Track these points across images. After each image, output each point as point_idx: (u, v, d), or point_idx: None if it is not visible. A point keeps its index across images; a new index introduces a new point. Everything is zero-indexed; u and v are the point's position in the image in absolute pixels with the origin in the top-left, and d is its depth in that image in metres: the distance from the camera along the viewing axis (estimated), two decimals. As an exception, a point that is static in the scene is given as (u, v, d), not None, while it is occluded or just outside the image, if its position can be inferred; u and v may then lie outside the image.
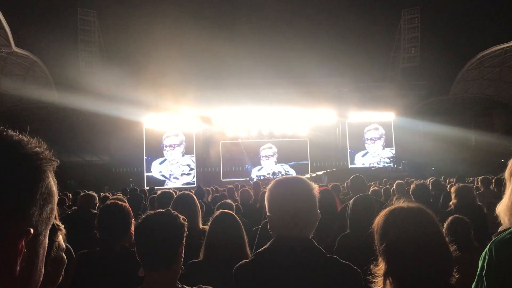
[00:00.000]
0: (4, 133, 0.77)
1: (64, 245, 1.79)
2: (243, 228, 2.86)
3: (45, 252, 0.83)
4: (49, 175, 0.81)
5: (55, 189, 0.83)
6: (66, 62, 32.20)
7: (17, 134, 0.79)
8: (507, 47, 31.74)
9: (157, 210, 2.05)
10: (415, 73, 40.15)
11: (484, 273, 1.82)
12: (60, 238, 1.78)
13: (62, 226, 1.81)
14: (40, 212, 0.77)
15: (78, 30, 37.55)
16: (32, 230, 0.75)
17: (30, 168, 0.76)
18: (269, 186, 1.87)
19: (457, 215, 3.32)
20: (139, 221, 1.97)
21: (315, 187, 1.84)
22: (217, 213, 2.88)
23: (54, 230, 1.75)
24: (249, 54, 35.26)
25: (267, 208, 1.83)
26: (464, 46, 37.54)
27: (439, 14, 40.74)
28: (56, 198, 0.83)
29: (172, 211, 2.03)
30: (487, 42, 33.49)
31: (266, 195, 1.85)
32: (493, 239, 1.94)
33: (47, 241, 0.83)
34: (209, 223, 2.82)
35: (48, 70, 31.18)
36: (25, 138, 0.79)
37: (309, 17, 42.83)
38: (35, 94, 30.75)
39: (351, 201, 3.59)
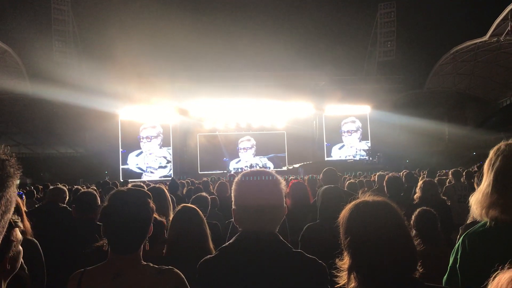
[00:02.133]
0: None
1: (20, 237, 1.74)
2: (205, 222, 2.81)
3: None
4: (14, 183, 0.77)
5: (14, 199, 0.79)
6: (39, 52, 31.52)
7: None
8: (480, 42, 32.36)
9: (125, 188, 2.01)
10: (391, 67, 40.63)
11: (458, 266, 1.86)
12: (17, 233, 1.72)
13: (19, 222, 1.76)
14: (0, 219, 0.74)
15: (51, 19, 36.68)
16: None
17: None
18: (236, 178, 1.84)
19: (425, 208, 3.36)
20: (107, 202, 1.91)
21: (283, 181, 1.82)
22: (178, 207, 2.83)
23: (11, 226, 1.69)
24: (227, 47, 35.17)
25: (233, 201, 1.80)
26: (439, 40, 38.20)
27: (415, 9, 41.21)
28: (13, 209, 0.80)
29: (141, 190, 1.99)
30: (461, 37, 34.13)
31: (232, 187, 1.82)
32: (465, 232, 1.96)
33: None
34: (170, 218, 2.77)
35: (20, 60, 30.43)
36: None
37: (287, 10, 42.85)
38: (7, 84, 29.98)
39: (319, 193, 3.60)
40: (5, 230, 0.78)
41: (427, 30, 40.87)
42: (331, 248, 2.13)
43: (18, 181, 0.79)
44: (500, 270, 0.95)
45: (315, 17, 41.57)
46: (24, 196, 6.48)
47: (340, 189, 3.69)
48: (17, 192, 0.81)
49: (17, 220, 1.75)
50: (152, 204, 1.94)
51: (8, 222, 0.78)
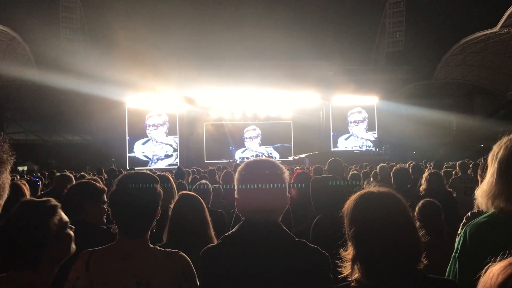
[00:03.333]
0: None
1: (67, 219, 1.79)
2: (206, 210, 2.80)
3: None
4: (6, 169, 0.77)
5: (7, 185, 0.78)
6: (47, 39, 31.49)
7: None
8: (490, 33, 31.99)
9: (133, 172, 2.03)
10: (399, 57, 40.27)
11: (457, 255, 1.88)
12: (62, 215, 1.77)
13: (59, 206, 1.80)
14: None
15: (59, 6, 36.64)
16: None
17: None
18: (239, 168, 1.83)
19: (429, 199, 3.35)
20: (115, 186, 1.94)
21: (286, 171, 1.81)
22: (179, 195, 2.82)
23: (51, 212, 1.74)
24: (235, 35, 34.98)
25: (235, 190, 1.80)
26: (448, 31, 37.72)
27: (424, -1, 40.76)
28: (6, 195, 0.79)
29: (149, 174, 2.01)
30: (471, 28, 33.73)
31: (235, 176, 1.82)
32: (468, 222, 1.98)
33: None
34: (171, 206, 2.77)
35: (28, 47, 30.48)
36: None
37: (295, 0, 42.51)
38: (15, 71, 30.05)
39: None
40: None
41: (436, 20, 40.43)
42: (329, 238, 2.13)
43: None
44: (492, 263, 0.94)
45: (323, 7, 41.23)
46: (39, 183, 6.50)
47: (332, 179, 3.66)
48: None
49: (57, 204, 1.79)
50: (159, 189, 1.96)
51: (0, 208, 0.79)
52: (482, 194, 1.91)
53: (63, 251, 1.75)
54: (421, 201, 3.33)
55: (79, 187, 2.75)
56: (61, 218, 1.78)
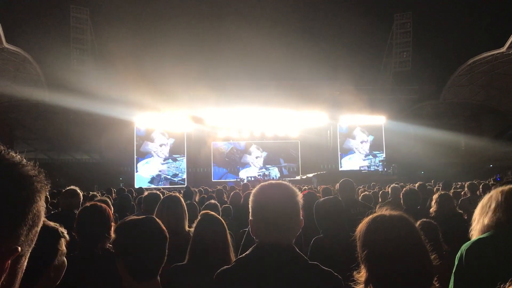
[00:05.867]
0: (3, 152, 0.77)
1: (65, 250, 1.79)
2: (227, 230, 2.80)
3: (22, 275, 0.81)
4: (41, 198, 0.81)
5: (43, 213, 0.82)
6: (57, 60, 31.99)
7: (16, 155, 0.80)
8: (497, 54, 32.02)
9: (140, 217, 2.01)
10: (406, 77, 40.40)
11: (454, 271, 2.02)
12: (63, 244, 1.78)
13: (65, 233, 1.80)
14: (27, 233, 0.77)
15: (70, 27, 37.27)
16: (19, 249, 0.74)
17: (25, 189, 0.76)
18: (254, 190, 1.86)
19: (425, 219, 3.35)
20: (123, 228, 1.93)
21: (300, 194, 1.84)
22: (201, 215, 2.81)
23: (58, 236, 1.75)
24: (243, 55, 35.32)
25: (250, 212, 1.82)
26: (455, 52, 37.90)
27: (431, 20, 41.04)
28: (41, 222, 0.83)
29: (155, 218, 2.01)
30: (478, 48, 33.83)
31: (250, 199, 1.84)
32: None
33: (26, 264, 0.82)
34: (193, 225, 2.76)
35: (39, 67, 30.94)
36: (23, 160, 0.79)
37: (302, 20, 42.99)
38: (26, 91, 30.49)
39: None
40: (33, 244, 0.82)
41: (443, 41, 40.65)
42: (335, 260, 2.15)
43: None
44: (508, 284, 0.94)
45: (331, 28, 41.63)
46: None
47: (339, 201, 3.67)
48: (45, 205, 0.85)
49: (64, 231, 1.80)
50: (166, 233, 1.95)
51: (37, 235, 0.82)
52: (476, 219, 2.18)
53: (56, 278, 1.72)
54: (418, 222, 3.32)
55: (102, 213, 2.76)
56: (62, 244, 1.78)
